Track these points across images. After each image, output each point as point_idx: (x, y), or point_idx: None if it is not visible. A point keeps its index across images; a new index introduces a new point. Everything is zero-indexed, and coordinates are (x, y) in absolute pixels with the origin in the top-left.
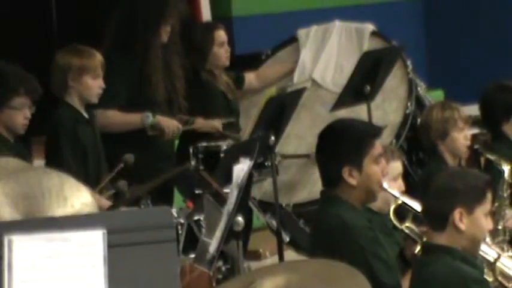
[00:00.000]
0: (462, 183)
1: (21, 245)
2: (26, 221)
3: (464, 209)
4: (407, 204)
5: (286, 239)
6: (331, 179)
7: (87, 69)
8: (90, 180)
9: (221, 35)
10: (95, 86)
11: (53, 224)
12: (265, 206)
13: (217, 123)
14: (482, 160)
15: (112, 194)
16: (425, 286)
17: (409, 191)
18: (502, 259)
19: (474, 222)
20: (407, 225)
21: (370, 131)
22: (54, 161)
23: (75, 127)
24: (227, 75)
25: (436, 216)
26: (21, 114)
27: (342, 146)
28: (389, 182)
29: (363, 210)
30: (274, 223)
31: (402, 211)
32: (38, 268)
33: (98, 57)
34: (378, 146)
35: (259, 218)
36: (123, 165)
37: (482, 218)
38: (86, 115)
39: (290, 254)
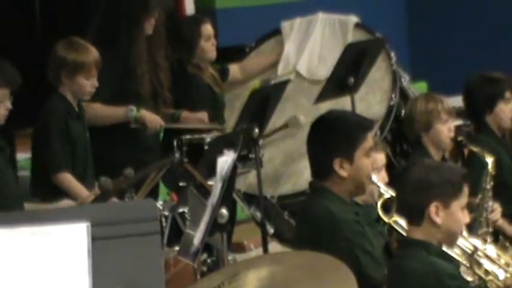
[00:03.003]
0: (438, 177)
1: (4, 238)
2: (9, 214)
3: (440, 202)
4: (395, 198)
5: (271, 231)
6: (322, 170)
7: (81, 68)
8: (76, 175)
9: (208, 28)
10: (87, 85)
11: (36, 217)
12: (250, 198)
13: (203, 116)
14: (465, 152)
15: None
16: (400, 281)
17: (393, 183)
18: (479, 252)
19: (450, 216)
20: (395, 220)
21: (363, 124)
22: (42, 150)
23: (67, 119)
24: (213, 68)
25: (412, 210)
26: (2, 106)
27: (334, 137)
28: (373, 173)
29: (350, 203)
30: (258, 215)
31: (386, 202)
32: (21, 261)
33: (94, 55)
34: (369, 139)
35: (243, 210)
36: (123, 179)
37: (458, 212)
38: (76, 109)
39: (275, 246)
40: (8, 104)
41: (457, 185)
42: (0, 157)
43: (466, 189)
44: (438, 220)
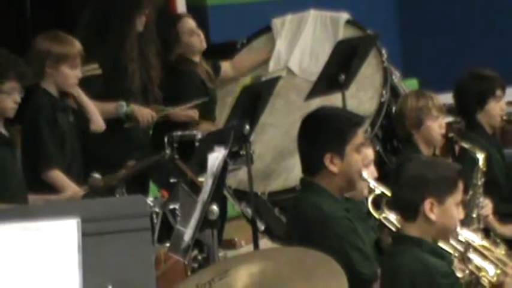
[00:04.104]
0: (433, 173)
1: None
2: None
3: (435, 199)
4: (385, 194)
5: (261, 227)
6: (312, 166)
7: (65, 58)
8: (66, 168)
9: (186, 24)
10: (71, 75)
11: (26, 213)
12: (241, 195)
13: (193, 112)
14: (456, 148)
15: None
16: (393, 277)
17: (384, 179)
18: (472, 248)
19: (445, 212)
20: (385, 216)
21: (354, 119)
22: (33, 147)
23: (54, 113)
24: (206, 64)
25: (406, 207)
26: (10, 98)
27: (325, 132)
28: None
29: (341, 199)
30: (249, 212)
31: (376, 197)
32: (11, 257)
33: (78, 47)
34: (360, 135)
35: (234, 207)
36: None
37: (453, 208)
38: (60, 101)
39: (265, 243)
40: (17, 97)
41: (452, 181)
42: (7, 150)
43: (461, 186)
44: (433, 216)
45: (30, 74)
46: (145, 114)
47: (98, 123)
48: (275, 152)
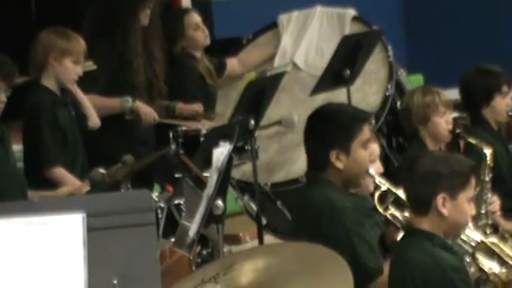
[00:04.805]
0: (446, 168)
1: None
2: (4, 204)
3: (447, 194)
4: (391, 191)
5: (264, 222)
6: (318, 162)
7: (70, 52)
8: (68, 163)
9: (192, 18)
10: (73, 71)
11: (32, 208)
12: (244, 186)
13: (197, 107)
14: (461, 144)
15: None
16: (403, 270)
17: (389, 176)
18: (482, 245)
19: (457, 207)
20: (391, 213)
21: (359, 116)
22: (33, 145)
23: (54, 110)
24: (210, 61)
25: (419, 201)
26: None
27: (330, 129)
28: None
29: (346, 194)
30: (252, 205)
31: (382, 194)
32: (16, 252)
33: (83, 44)
34: (366, 131)
35: (237, 201)
36: (121, 165)
37: (465, 204)
38: (61, 96)
39: (270, 238)
40: (3, 97)
41: (465, 177)
42: None
43: (473, 182)
44: (445, 211)
45: (17, 73)
46: (148, 113)
47: (94, 121)
48: (279, 144)
